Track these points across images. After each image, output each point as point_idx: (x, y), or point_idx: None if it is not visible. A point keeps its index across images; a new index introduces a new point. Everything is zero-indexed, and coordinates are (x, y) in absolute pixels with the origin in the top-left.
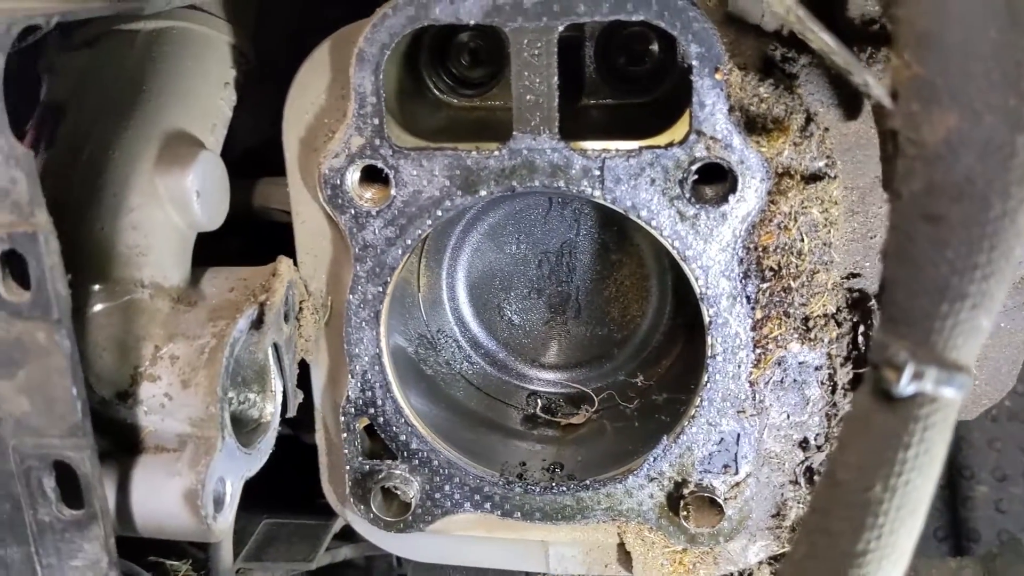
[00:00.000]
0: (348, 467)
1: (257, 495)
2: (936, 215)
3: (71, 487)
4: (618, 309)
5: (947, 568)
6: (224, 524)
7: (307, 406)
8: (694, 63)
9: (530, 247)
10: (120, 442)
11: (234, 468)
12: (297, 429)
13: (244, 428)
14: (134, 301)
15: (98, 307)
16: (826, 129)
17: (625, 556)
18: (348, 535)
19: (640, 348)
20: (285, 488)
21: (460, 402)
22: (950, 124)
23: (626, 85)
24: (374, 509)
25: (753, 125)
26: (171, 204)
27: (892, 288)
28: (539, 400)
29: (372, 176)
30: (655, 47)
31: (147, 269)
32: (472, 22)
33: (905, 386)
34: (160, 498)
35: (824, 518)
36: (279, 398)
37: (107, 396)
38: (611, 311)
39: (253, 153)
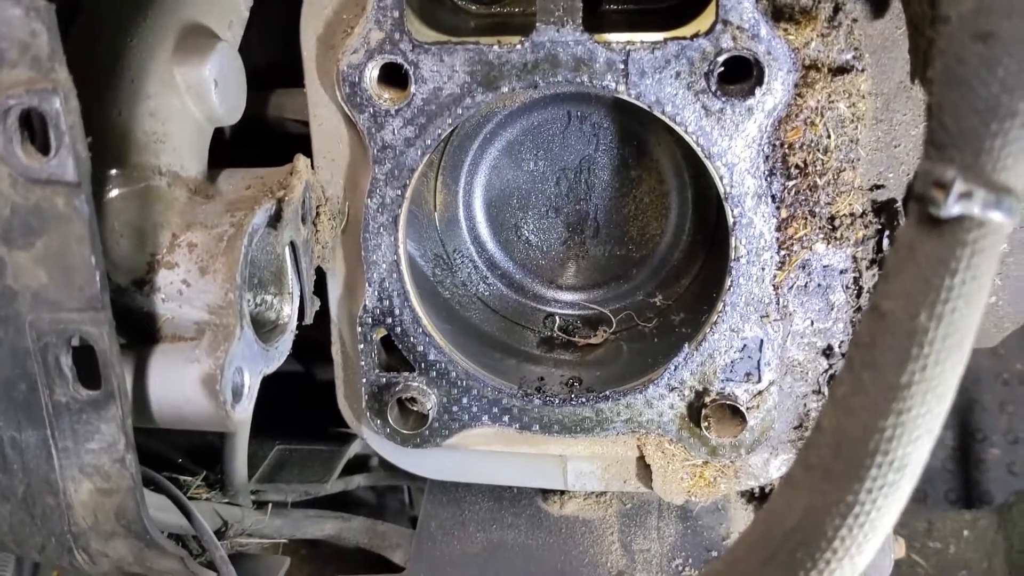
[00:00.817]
0: (364, 380)
1: (268, 425)
2: (986, 32)
3: (87, 370)
4: (637, 227)
5: (962, 519)
6: (242, 414)
7: (321, 326)
8: None
9: (548, 164)
10: (137, 331)
11: (252, 360)
12: (307, 363)
13: (262, 329)
14: (151, 188)
15: (115, 192)
16: (855, 20)
17: (644, 471)
18: (360, 467)
19: (659, 267)
20: (295, 422)
21: (476, 325)
22: None
23: None
24: (391, 422)
25: (780, 15)
26: (189, 94)
27: (938, 113)
28: (556, 320)
29: (391, 76)
30: None
31: (164, 156)
32: None
33: (952, 205)
34: (178, 385)
35: (868, 352)
36: (296, 301)
37: (123, 284)
38: (630, 230)
39: (263, 73)
